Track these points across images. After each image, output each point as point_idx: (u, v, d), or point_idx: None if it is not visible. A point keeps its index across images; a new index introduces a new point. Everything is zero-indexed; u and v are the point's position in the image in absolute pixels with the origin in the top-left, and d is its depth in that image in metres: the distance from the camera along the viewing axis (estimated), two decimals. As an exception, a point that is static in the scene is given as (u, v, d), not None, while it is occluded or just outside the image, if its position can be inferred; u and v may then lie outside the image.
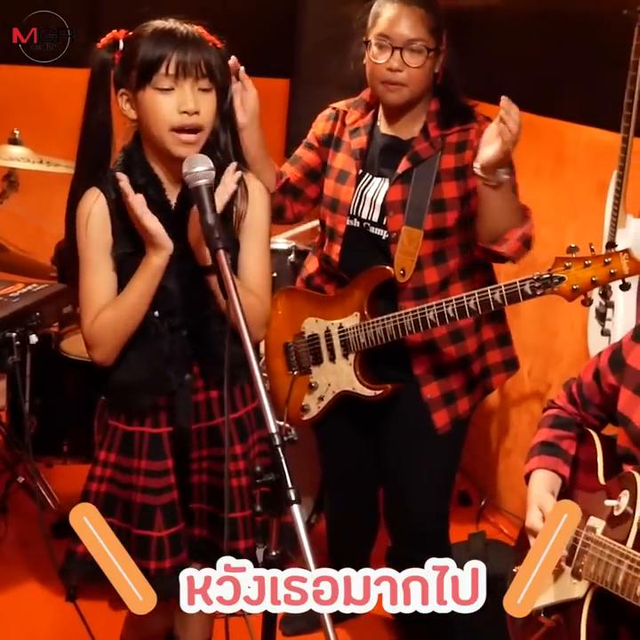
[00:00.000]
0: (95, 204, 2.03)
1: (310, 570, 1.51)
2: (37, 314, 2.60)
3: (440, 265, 2.56)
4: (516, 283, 2.33)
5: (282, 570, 1.72)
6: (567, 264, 2.24)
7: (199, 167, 1.90)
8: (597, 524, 1.84)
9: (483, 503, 3.81)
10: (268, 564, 1.71)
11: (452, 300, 2.40)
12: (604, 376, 2.00)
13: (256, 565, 2.13)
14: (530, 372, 3.65)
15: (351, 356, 2.63)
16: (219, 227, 1.85)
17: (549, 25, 3.51)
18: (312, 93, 4.37)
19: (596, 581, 1.77)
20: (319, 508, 3.33)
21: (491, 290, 2.37)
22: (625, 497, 1.79)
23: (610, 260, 2.19)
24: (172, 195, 2.06)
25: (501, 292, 2.35)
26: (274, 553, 1.70)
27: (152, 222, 1.96)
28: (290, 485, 1.58)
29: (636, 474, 1.79)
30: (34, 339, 2.56)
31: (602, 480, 1.93)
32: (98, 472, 2.12)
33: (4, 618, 3.08)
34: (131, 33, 2.02)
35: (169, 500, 2.10)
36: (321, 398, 2.70)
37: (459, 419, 2.66)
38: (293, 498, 1.57)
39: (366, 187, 2.58)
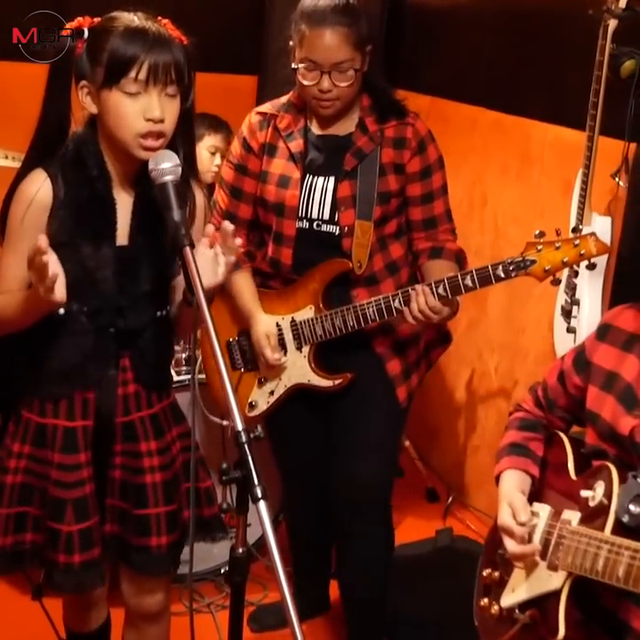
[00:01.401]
0: (40, 191, 1.98)
1: (276, 568, 1.51)
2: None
3: (384, 251, 2.62)
4: (487, 267, 2.38)
5: (248, 567, 1.73)
6: (538, 247, 2.32)
7: (166, 163, 1.90)
8: (572, 516, 1.87)
9: (450, 499, 3.83)
10: (234, 561, 1.71)
11: (431, 283, 2.44)
12: (569, 378, 2.03)
13: (173, 562, 2.16)
14: (496, 369, 3.68)
15: (305, 349, 2.65)
16: (185, 224, 1.85)
17: (516, 24, 3.53)
18: (280, 90, 4.35)
19: (574, 570, 1.79)
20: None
21: (461, 274, 2.41)
22: (600, 488, 1.81)
23: (579, 242, 2.29)
24: (118, 191, 2.03)
25: (472, 276, 2.39)
26: (240, 550, 1.70)
27: (60, 291, 1.87)
28: (256, 482, 1.59)
29: (609, 465, 1.82)
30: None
31: (573, 476, 1.95)
32: (12, 464, 2.09)
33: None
34: (96, 22, 1.98)
35: (81, 495, 2.07)
36: (271, 393, 2.71)
37: (412, 393, 2.75)
38: (260, 495, 1.57)
39: (311, 188, 2.59)
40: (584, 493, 1.84)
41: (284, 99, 2.67)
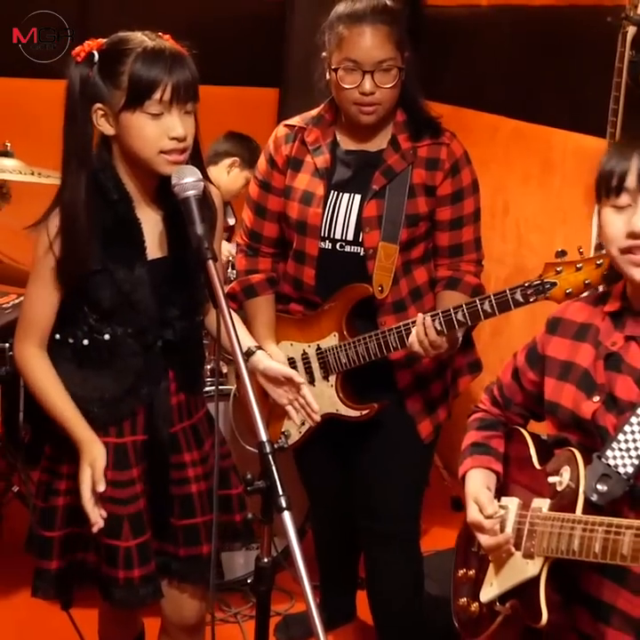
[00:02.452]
0: None
1: (302, 578, 1.52)
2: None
3: (408, 275, 2.54)
4: (505, 292, 2.30)
5: (273, 577, 1.74)
6: (558, 269, 2.22)
7: (188, 178, 1.92)
8: (542, 503, 1.90)
9: (475, 508, 3.81)
10: (259, 571, 1.72)
11: (438, 314, 2.37)
12: (524, 374, 2.06)
13: (219, 568, 2.17)
14: (520, 377, 3.66)
15: (332, 378, 2.58)
16: (208, 237, 1.87)
17: (535, 32, 3.54)
18: (301, 102, 4.38)
19: (550, 554, 1.82)
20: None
21: (479, 300, 2.33)
22: (566, 473, 1.84)
23: (601, 261, 2.16)
24: (141, 209, 2.05)
25: (491, 301, 2.31)
26: (265, 560, 1.71)
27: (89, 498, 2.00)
28: (281, 493, 1.59)
29: (573, 450, 1.85)
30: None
31: (538, 466, 1.98)
32: (62, 486, 2.11)
33: (0, 627, 3.09)
34: (105, 45, 1.98)
35: (135, 510, 2.10)
36: (303, 423, 2.62)
37: (439, 426, 2.68)
38: (284, 505, 1.58)
39: (336, 206, 2.51)
40: (551, 479, 1.87)
41: (314, 111, 2.58)
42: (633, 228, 1.75)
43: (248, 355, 2.25)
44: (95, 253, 1.99)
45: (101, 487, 1.98)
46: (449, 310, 2.35)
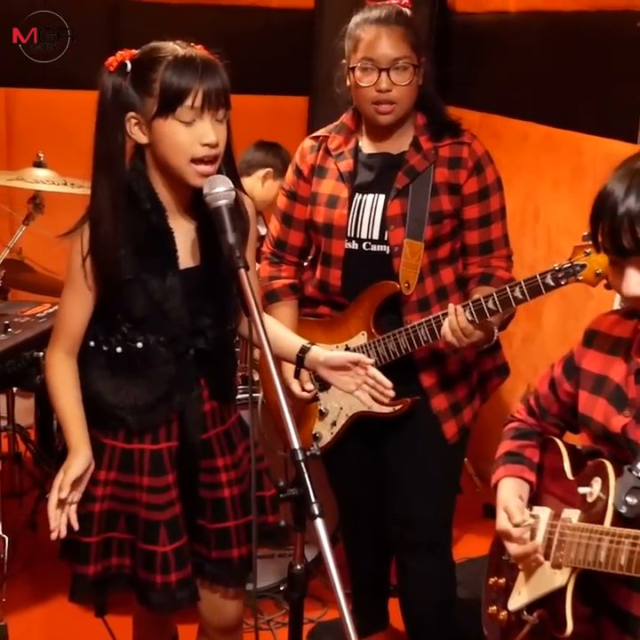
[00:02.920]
0: None
1: (334, 585, 1.52)
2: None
3: (435, 275, 2.57)
4: (536, 276, 2.30)
5: (306, 584, 1.75)
6: (587, 251, 2.23)
7: (220, 188, 1.93)
8: (572, 514, 1.89)
9: (508, 515, 3.80)
10: (292, 578, 1.73)
11: (468, 304, 2.39)
12: (560, 385, 2.06)
13: (249, 572, 2.18)
14: (552, 384, 3.65)
15: None
16: (239, 246, 1.88)
17: (565, 38, 3.53)
18: (331, 110, 4.40)
19: (577, 565, 1.82)
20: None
21: (509, 287, 2.34)
22: (597, 484, 1.83)
23: None
24: (174, 219, 2.07)
25: (522, 287, 2.32)
26: (298, 567, 1.72)
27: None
28: (313, 500, 1.60)
29: (605, 461, 1.85)
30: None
31: (570, 477, 1.98)
32: (99, 492, 2.12)
33: (35, 633, 3.12)
34: (138, 54, 2.00)
35: (172, 515, 2.11)
36: (334, 423, 2.66)
37: (464, 428, 2.69)
38: (317, 512, 1.59)
39: (360, 207, 2.56)
40: (582, 490, 1.87)
41: (337, 122, 2.66)
42: None
43: (303, 351, 2.22)
44: (127, 262, 2.01)
45: (63, 493, 1.99)
46: (479, 299, 2.38)
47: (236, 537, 2.18)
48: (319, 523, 1.58)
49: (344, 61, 2.55)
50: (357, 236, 2.57)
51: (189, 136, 1.95)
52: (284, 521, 1.86)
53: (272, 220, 2.77)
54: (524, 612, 1.95)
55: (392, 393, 2.19)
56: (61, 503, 2.02)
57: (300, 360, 2.22)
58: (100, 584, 2.16)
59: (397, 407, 2.59)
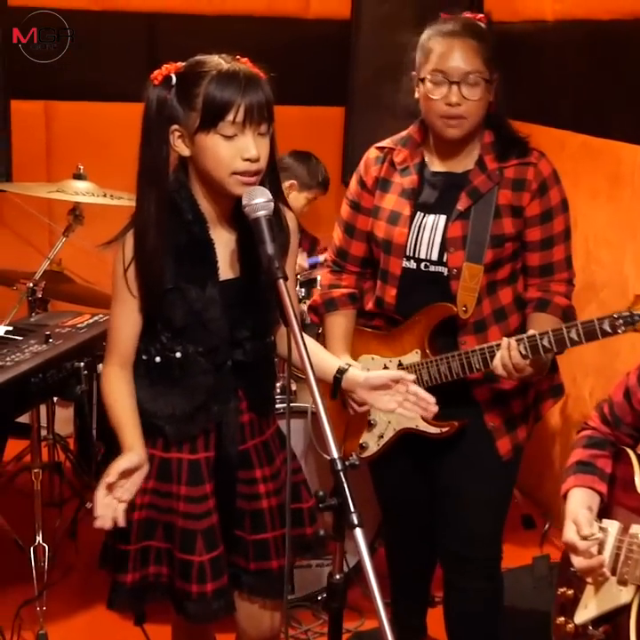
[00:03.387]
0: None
1: (374, 595, 1.52)
2: (103, 344, 2.65)
3: (492, 296, 2.54)
4: (593, 321, 2.28)
5: (345, 594, 1.75)
6: None
7: (259, 199, 1.95)
8: None
9: (547, 526, 3.78)
10: (332, 587, 1.73)
11: (523, 338, 2.36)
12: (634, 394, 2.03)
13: (290, 581, 2.18)
14: (591, 394, 3.63)
15: None
16: (278, 257, 1.90)
17: (601, 46, 3.51)
18: (367, 120, 4.42)
19: None
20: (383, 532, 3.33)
21: (566, 327, 2.32)
22: None
23: None
24: (215, 230, 2.09)
25: (578, 329, 2.30)
26: (338, 577, 1.72)
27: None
28: (352, 509, 1.61)
29: None
30: (100, 368, 2.61)
31: None
32: (137, 500, 2.12)
33: (75, 642, 3.14)
34: (183, 68, 2.02)
35: (209, 525, 2.12)
36: (381, 436, 2.66)
37: (518, 446, 2.65)
38: (356, 522, 1.59)
39: (421, 226, 2.53)
40: None
41: (403, 133, 2.62)
42: None
43: (341, 372, 2.20)
44: (168, 272, 2.03)
45: (110, 478, 1.99)
46: (535, 335, 2.35)
47: (275, 548, 2.19)
48: (358, 532, 1.58)
49: (414, 73, 2.52)
50: (416, 255, 2.54)
51: (231, 150, 1.96)
52: (323, 530, 1.87)
53: (335, 229, 2.76)
54: (590, 627, 1.93)
55: (435, 408, 2.14)
56: (108, 489, 2.01)
57: (337, 381, 2.20)
58: (138, 592, 2.17)
59: (444, 429, 2.57)
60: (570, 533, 1.93)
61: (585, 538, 1.90)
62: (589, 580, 1.93)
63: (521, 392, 2.60)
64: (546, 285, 2.55)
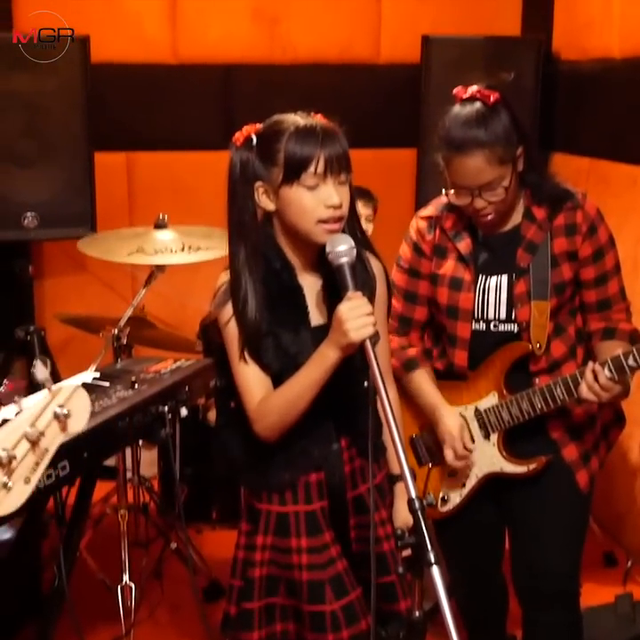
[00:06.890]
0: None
1: (451, 634, 1.55)
2: (187, 388, 2.70)
3: (559, 337, 2.58)
4: None
5: (425, 631, 1.78)
6: None
7: (342, 246, 2.02)
8: None
9: (629, 564, 3.73)
10: (411, 624, 1.76)
11: (607, 360, 2.40)
12: None
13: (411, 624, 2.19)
14: (672, 429, 3.59)
15: (493, 437, 2.61)
16: None
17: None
18: (438, 161, 4.45)
19: None
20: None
21: (623, 355, 2.38)
22: None
23: None
24: (303, 277, 2.15)
25: (634, 356, 2.36)
26: (417, 614, 1.75)
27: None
28: (429, 548, 1.64)
29: None
30: (184, 412, 2.67)
31: None
32: (258, 557, 2.17)
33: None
34: (262, 128, 2.12)
35: (335, 573, 2.14)
36: (463, 485, 2.65)
37: (594, 477, 2.66)
38: (433, 560, 1.63)
39: (485, 288, 2.57)
40: None
41: (444, 199, 2.62)
42: None
43: (392, 481, 2.28)
44: (263, 319, 2.09)
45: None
46: (619, 355, 2.39)
47: (401, 590, 2.21)
48: (435, 570, 1.61)
49: (442, 164, 2.49)
50: (485, 317, 2.58)
51: (314, 200, 2.04)
52: (402, 569, 1.89)
53: (394, 297, 2.68)
54: None
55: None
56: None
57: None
58: (243, 622, 2.18)
59: (532, 466, 2.58)
60: None
61: None
62: None
63: (589, 425, 2.63)
64: (607, 316, 2.60)
